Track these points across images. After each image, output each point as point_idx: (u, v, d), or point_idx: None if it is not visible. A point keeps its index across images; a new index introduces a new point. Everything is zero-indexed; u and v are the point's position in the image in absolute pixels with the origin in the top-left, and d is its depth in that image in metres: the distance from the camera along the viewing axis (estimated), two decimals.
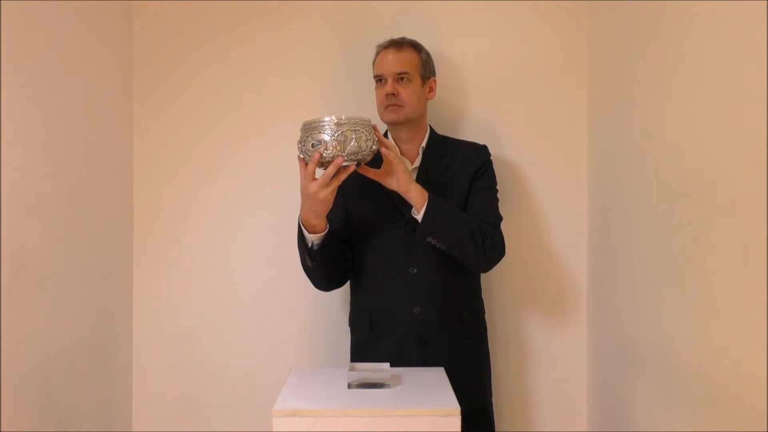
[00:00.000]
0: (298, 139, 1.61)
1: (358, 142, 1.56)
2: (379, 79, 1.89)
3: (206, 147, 2.20)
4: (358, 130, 1.56)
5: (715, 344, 1.29)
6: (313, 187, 1.60)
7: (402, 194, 1.71)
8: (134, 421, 2.20)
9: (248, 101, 2.20)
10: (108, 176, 2.07)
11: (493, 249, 1.80)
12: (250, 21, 2.19)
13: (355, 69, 2.12)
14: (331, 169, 1.57)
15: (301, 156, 1.61)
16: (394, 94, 1.85)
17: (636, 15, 1.72)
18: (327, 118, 1.55)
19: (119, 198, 2.14)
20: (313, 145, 1.56)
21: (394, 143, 1.87)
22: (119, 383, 2.14)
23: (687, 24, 1.42)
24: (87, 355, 1.93)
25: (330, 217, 1.77)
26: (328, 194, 1.61)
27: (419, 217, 1.71)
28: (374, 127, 1.63)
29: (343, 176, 1.61)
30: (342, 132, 1.55)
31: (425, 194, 1.71)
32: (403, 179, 1.68)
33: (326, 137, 1.55)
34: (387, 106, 1.86)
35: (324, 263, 1.78)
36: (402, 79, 1.85)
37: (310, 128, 1.58)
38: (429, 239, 1.74)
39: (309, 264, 1.77)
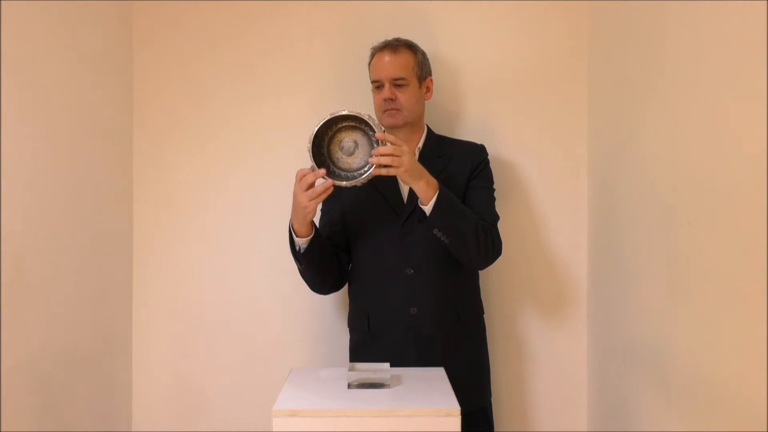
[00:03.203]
0: (310, 146, 1.65)
1: (366, 182, 1.67)
2: (376, 83, 1.89)
3: (206, 147, 2.19)
4: (372, 178, 1.66)
5: (715, 344, 1.29)
6: (302, 196, 1.66)
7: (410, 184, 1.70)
8: (134, 421, 2.20)
9: (247, 101, 2.19)
10: (108, 176, 2.06)
11: (492, 248, 1.80)
12: (249, 21, 2.19)
13: (353, 69, 2.12)
14: (320, 189, 1.64)
15: (313, 164, 1.66)
16: (392, 99, 1.85)
17: (636, 15, 1.72)
18: (349, 176, 1.67)
19: (119, 198, 2.14)
20: (332, 179, 1.66)
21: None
22: (119, 383, 2.14)
23: (687, 24, 1.42)
24: (87, 355, 1.93)
25: (326, 221, 1.79)
26: (312, 205, 1.67)
27: (427, 209, 1.70)
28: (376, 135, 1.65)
29: (326, 195, 1.66)
30: (359, 179, 1.66)
31: (436, 185, 1.70)
32: (408, 164, 1.65)
33: (344, 183, 1.66)
34: (385, 111, 1.86)
35: (314, 267, 1.80)
36: (399, 84, 1.85)
37: (330, 161, 1.69)
38: (435, 232, 1.72)
39: (299, 266, 1.80)
